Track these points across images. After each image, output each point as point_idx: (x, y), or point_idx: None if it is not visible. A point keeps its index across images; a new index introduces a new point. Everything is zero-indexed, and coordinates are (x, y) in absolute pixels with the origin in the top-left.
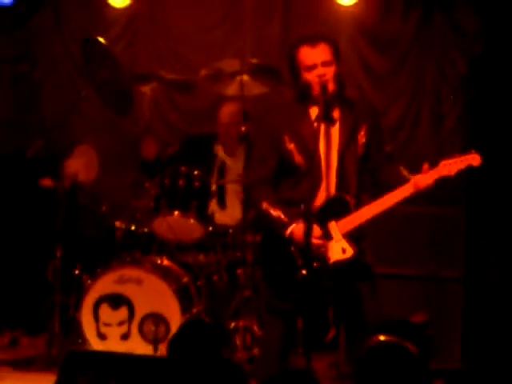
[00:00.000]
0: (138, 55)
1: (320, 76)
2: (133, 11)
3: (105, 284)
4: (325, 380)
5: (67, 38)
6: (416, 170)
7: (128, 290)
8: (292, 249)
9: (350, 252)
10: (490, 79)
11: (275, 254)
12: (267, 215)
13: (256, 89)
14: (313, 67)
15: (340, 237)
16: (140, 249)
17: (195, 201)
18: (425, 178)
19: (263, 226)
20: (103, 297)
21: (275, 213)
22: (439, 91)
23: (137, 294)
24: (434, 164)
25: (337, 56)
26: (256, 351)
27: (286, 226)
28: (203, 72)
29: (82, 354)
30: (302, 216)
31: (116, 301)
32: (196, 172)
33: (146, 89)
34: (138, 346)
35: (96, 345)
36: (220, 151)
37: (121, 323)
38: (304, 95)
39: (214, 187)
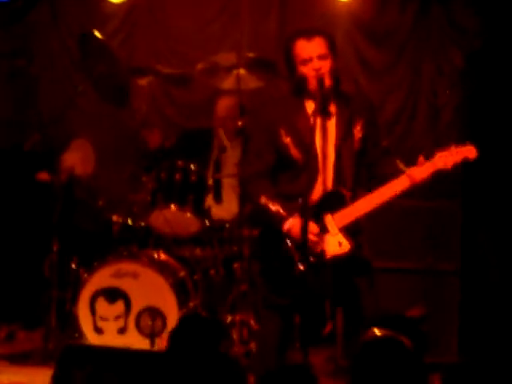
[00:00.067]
0: (134, 49)
1: (316, 69)
2: (130, 5)
3: (101, 278)
4: (322, 374)
5: (64, 33)
6: (413, 163)
7: (125, 284)
8: (289, 244)
9: (346, 246)
10: (487, 73)
11: (272, 249)
12: (266, 210)
13: (252, 82)
14: (308, 60)
15: (336, 231)
16: (137, 243)
17: (192, 195)
18: (420, 171)
19: (261, 221)
20: (100, 291)
21: (274, 207)
22: (436, 84)
23: (133, 288)
24: (430, 156)
25: (333, 50)
26: (253, 345)
27: (284, 220)
28: (200, 66)
29: (78, 348)
30: (298, 210)
31: (113, 295)
32: (193, 166)
33: (143, 82)
34: (135, 340)
35: (93, 339)
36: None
37: (117, 317)
38: (300, 89)
39: (210, 181)
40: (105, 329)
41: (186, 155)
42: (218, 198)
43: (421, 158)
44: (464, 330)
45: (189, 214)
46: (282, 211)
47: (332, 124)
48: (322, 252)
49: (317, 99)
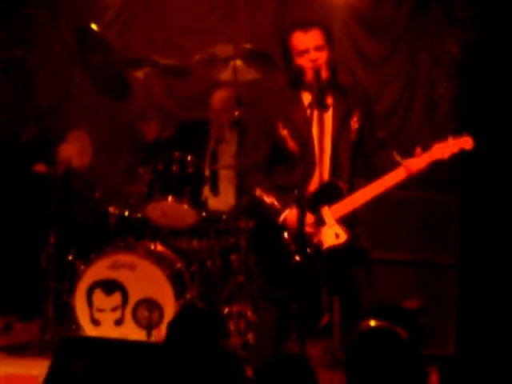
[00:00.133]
0: (131, 40)
1: (312, 60)
2: None
3: (98, 269)
4: (319, 366)
5: (62, 25)
6: (409, 154)
7: (122, 276)
8: (285, 235)
9: (343, 237)
10: (484, 63)
11: (268, 240)
12: (260, 202)
13: (249, 74)
14: (305, 52)
15: (333, 222)
16: (133, 234)
17: (189, 186)
18: (417, 162)
19: (256, 213)
20: (97, 282)
21: (268, 199)
22: (433, 75)
23: (130, 279)
24: (427, 148)
25: (329, 41)
26: (250, 336)
27: (279, 212)
28: (197, 57)
29: (75, 339)
30: (295, 202)
31: (110, 286)
32: (190, 157)
33: (139, 74)
34: (132, 332)
35: (90, 330)
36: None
37: (114, 309)
38: (296, 80)
39: (207, 173)
40: (102, 320)
41: (183, 147)
42: (215, 190)
43: (418, 150)
44: (462, 322)
45: (186, 206)
46: (276, 203)
47: (329, 116)
48: (319, 243)
49: (313, 91)
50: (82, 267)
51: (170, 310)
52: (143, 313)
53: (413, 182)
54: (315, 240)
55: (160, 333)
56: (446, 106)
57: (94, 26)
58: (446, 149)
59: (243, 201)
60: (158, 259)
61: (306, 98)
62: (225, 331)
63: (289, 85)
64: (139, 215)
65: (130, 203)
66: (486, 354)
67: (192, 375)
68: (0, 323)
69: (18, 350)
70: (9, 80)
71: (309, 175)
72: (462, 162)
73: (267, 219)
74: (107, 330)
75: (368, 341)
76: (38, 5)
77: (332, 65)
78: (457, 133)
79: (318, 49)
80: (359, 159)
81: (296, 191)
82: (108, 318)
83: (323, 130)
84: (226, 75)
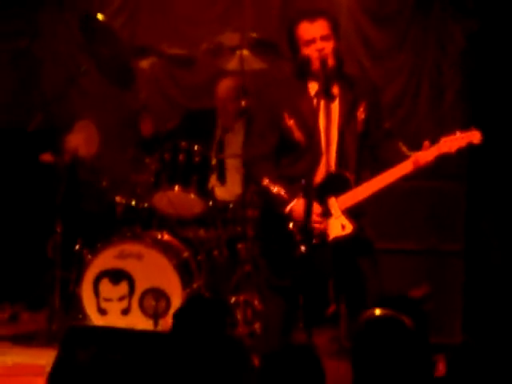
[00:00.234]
0: (137, 30)
1: (319, 50)
2: None
3: (105, 259)
4: (326, 355)
5: (68, 14)
6: (416, 146)
7: (128, 265)
8: (291, 225)
9: (349, 228)
10: (489, 53)
11: (274, 230)
12: (267, 191)
13: (255, 63)
14: (312, 41)
15: (339, 213)
16: (140, 224)
17: (195, 176)
18: (425, 155)
19: (263, 202)
20: (104, 272)
21: (276, 189)
22: (439, 65)
23: (137, 268)
24: (434, 140)
25: (336, 31)
26: (257, 326)
27: (286, 203)
28: (203, 46)
29: (82, 329)
30: (302, 191)
31: (116, 276)
32: (196, 147)
33: (145, 64)
34: (139, 321)
35: (96, 320)
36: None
37: (121, 298)
38: (303, 70)
39: (213, 162)
40: (108, 310)
41: (189, 136)
42: (222, 179)
43: (426, 143)
44: (468, 311)
45: (192, 195)
46: (283, 193)
47: (335, 106)
48: (325, 234)
49: (320, 80)
50: (89, 257)
51: (176, 300)
52: (150, 302)
53: (420, 173)
54: (321, 230)
55: (167, 322)
56: (452, 95)
57: (99, 16)
58: (454, 142)
59: (250, 190)
60: (164, 248)
61: (313, 87)
62: (232, 320)
63: (295, 75)
64: (146, 204)
65: (136, 192)
66: (493, 342)
67: (199, 364)
68: (7, 313)
69: (24, 340)
70: (15, 68)
71: (315, 166)
72: (470, 152)
73: (273, 209)
74: (114, 319)
75: (372, 329)
76: None
77: (338, 54)
78: (464, 123)
79: (324, 38)
80: (365, 150)
81: (303, 181)
82: (115, 308)
83: (330, 120)
84: (232, 64)
